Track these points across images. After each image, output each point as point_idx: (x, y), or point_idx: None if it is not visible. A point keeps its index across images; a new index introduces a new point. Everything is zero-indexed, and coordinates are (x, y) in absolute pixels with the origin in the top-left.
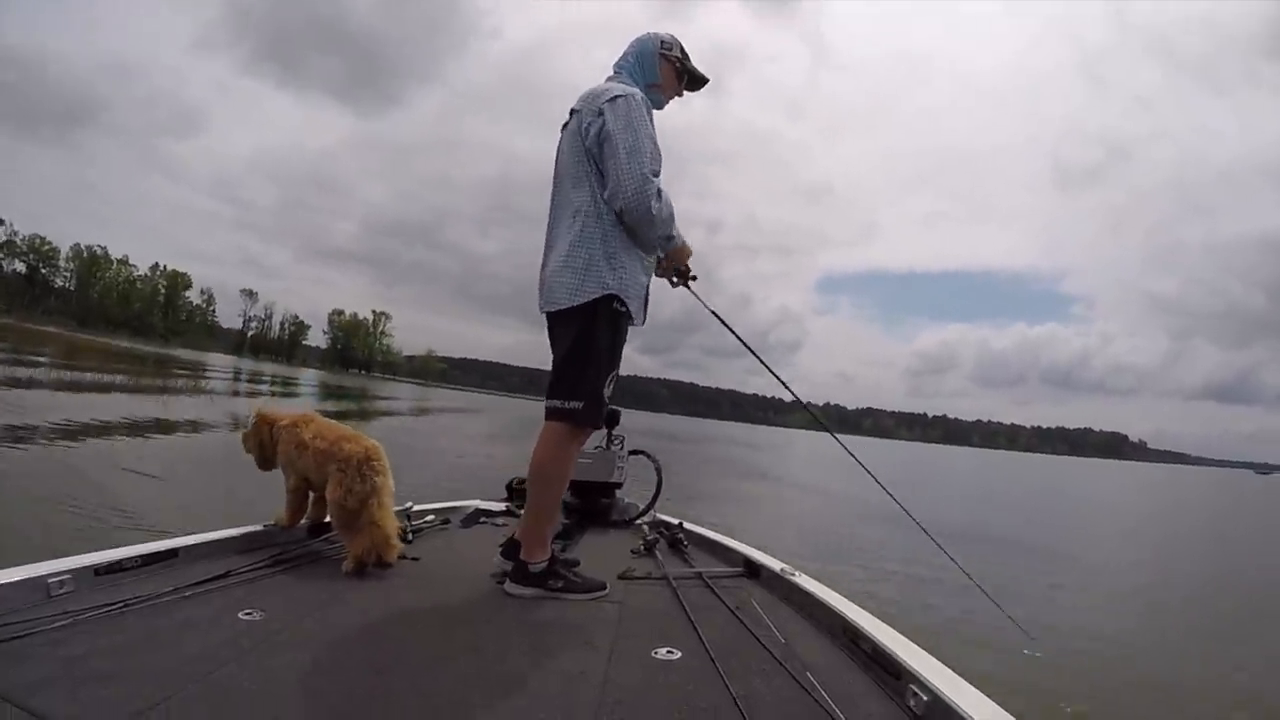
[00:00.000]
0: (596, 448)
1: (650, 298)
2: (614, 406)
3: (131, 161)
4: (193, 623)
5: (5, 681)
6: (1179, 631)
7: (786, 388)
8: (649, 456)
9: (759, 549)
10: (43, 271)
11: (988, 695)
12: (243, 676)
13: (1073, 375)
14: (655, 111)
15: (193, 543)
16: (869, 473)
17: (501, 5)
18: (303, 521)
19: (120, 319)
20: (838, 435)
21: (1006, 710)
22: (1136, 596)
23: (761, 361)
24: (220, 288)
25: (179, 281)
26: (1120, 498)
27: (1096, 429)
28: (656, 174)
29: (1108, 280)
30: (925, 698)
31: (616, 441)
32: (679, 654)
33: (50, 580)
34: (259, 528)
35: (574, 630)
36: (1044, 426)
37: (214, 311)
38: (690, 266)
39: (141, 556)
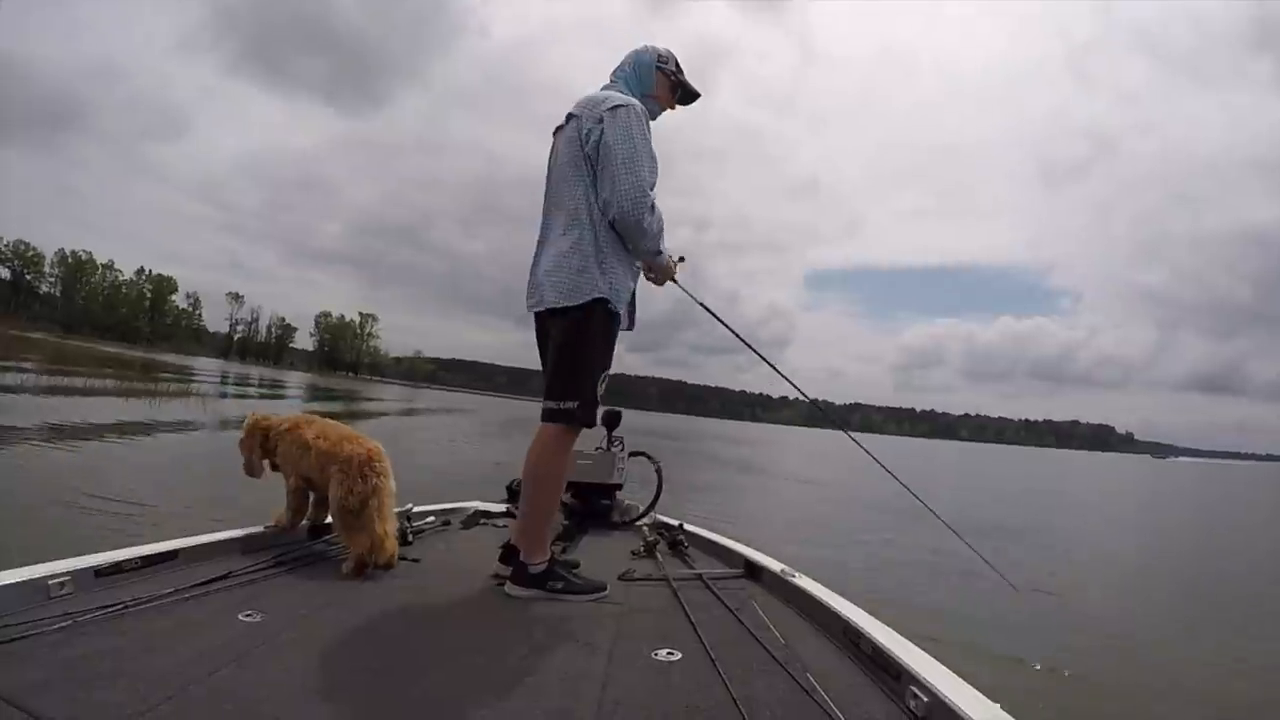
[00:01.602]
0: (597, 449)
1: (636, 302)
2: (615, 408)
3: (116, 166)
4: (193, 624)
5: (5, 683)
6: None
7: (795, 387)
8: (649, 458)
9: (759, 550)
10: (28, 277)
11: (988, 696)
12: (243, 678)
13: (1061, 368)
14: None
15: (193, 544)
16: (874, 458)
17: (489, 2)
18: (304, 523)
19: (106, 324)
20: (849, 431)
21: (1008, 712)
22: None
23: (767, 361)
24: (206, 291)
25: (165, 286)
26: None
27: (1084, 421)
28: (653, 186)
29: (1094, 273)
30: (925, 699)
31: (617, 443)
32: (679, 655)
33: (50, 582)
34: (260, 529)
35: (574, 631)
36: (1032, 419)
37: (200, 315)
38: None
39: (142, 558)
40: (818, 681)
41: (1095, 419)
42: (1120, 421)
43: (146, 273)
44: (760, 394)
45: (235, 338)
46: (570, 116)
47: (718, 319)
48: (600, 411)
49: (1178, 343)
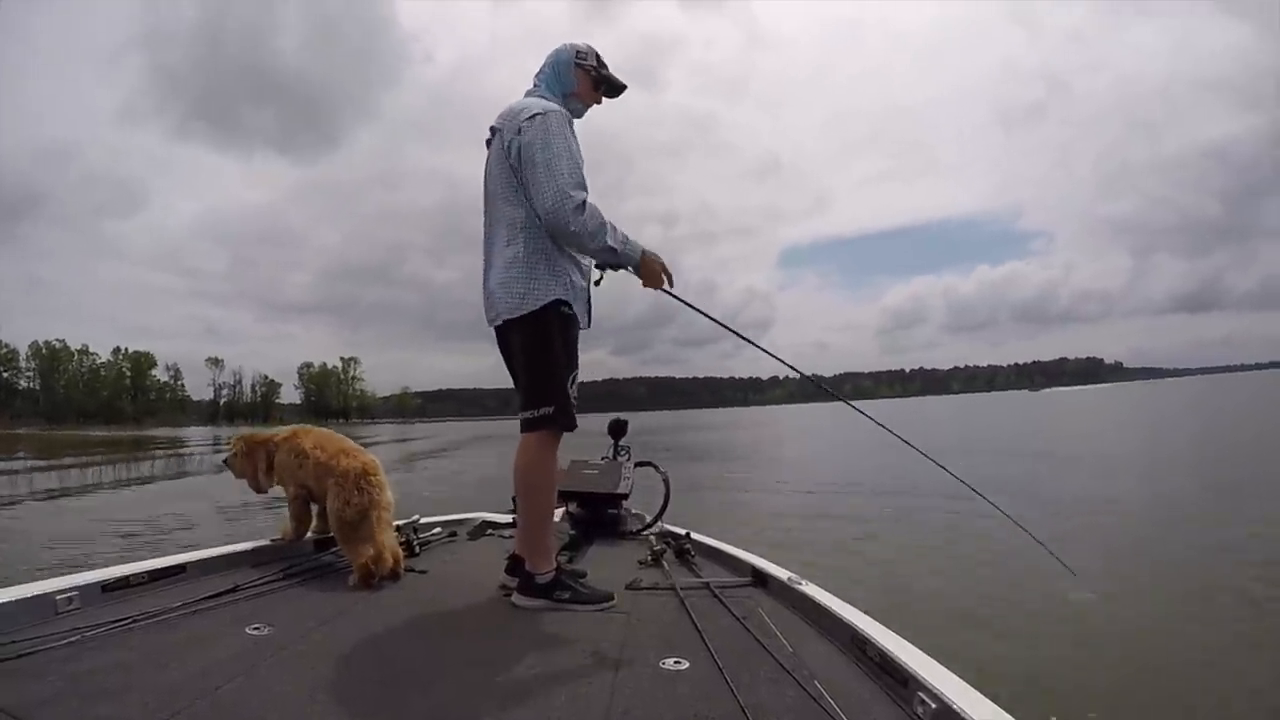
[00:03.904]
0: (603, 459)
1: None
2: (620, 417)
3: (78, 248)
4: (200, 638)
5: (13, 698)
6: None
7: (787, 365)
8: (656, 468)
9: (767, 558)
10: (4, 375)
11: (995, 702)
12: (250, 691)
13: (1043, 308)
14: (576, 120)
15: (200, 558)
16: (900, 438)
17: (430, 29)
18: (309, 535)
19: (90, 409)
20: (851, 402)
21: (1014, 717)
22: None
23: (757, 345)
24: (185, 361)
25: (143, 362)
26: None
27: (1071, 357)
28: (581, 186)
29: (1063, 212)
30: (933, 705)
31: (623, 452)
32: (687, 664)
33: (58, 597)
34: (266, 542)
35: (581, 641)
36: (1020, 363)
37: (183, 386)
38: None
39: (149, 572)
40: (825, 689)
41: (1083, 353)
42: (1108, 352)
43: (123, 351)
44: (750, 378)
45: (221, 402)
46: (494, 130)
47: (712, 318)
48: (608, 422)
49: (1154, 267)
